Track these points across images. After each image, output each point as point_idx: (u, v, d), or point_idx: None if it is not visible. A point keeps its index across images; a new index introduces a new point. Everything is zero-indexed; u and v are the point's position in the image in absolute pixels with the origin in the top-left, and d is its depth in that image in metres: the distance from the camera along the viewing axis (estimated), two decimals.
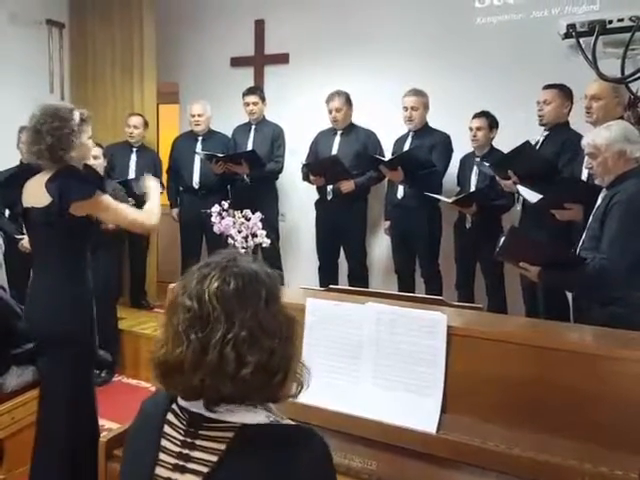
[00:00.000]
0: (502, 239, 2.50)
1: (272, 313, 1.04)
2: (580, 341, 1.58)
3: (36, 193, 2.23)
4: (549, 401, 1.45)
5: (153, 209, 2.47)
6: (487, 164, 3.50)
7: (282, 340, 1.03)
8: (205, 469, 1.00)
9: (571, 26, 2.07)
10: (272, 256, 4.44)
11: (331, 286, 2.12)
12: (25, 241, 3.92)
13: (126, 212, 2.37)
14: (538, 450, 1.40)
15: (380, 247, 4.66)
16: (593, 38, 2.00)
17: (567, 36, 2.34)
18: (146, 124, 4.78)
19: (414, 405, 1.57)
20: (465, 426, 1.50)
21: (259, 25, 5.11)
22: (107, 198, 2.27)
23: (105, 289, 3.58)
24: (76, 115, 2.25)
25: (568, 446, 1.39)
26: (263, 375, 1.00)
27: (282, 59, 5.04)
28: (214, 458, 1.00)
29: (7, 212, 4.07)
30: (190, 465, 1.02)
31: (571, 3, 3.93)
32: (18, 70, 4.88)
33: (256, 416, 1.04)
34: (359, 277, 4.30)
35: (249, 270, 1.05)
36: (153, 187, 2.56)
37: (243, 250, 2.89)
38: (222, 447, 1.00)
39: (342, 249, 4.42)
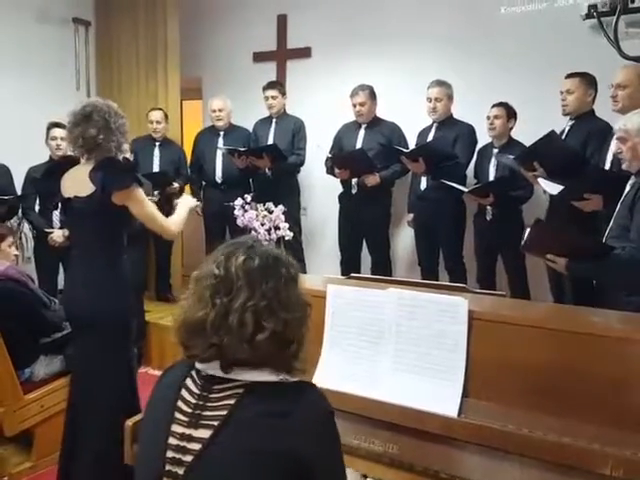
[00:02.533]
0: (527, 232, 2.47)
1: (289, 292, 1.14)
2: (604, 325, 1.55)
3: (78, 183, 2.33)
4: (572, 385, 1.43)
5: (178, 220, 2.56)
6: (511, 157, 3.44)
7: (296, 317, 1.13)
8: (215, 422, 1.08)
9: (592, 6, 2.04)
10: (294, 249, 4.46)
11: (353, 274, 2.12)
12: (55, 235, 4.01)
13: (154, 212, 2.43)
14: (561, 434, 1.39)
15: (404, 239, 4.64)
16: (615, 17, 1.97)
17: (588, 16, 2.31)
18: (166, 117, 4.81)
19: (435, 389, 1.56)
20: (487, 410, 1.49)
21: (281, 20, 5.13)
22: (141, 192, 2.36)
23: (132, 282, 3.63)
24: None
25: (592, 430, 1.37)
26: (277, 343, 1.10)
27: (304, 53, 5.05)
28: (224, 412, 1.08)
29: (37, 207, 4.16)
30: (202, 421, 1.09)
31: None
32: (45, 68, 4.98)
33: (267, 375, 1.12)
34: (382, 270, 4.28)
35: (272, 251, 1.18)
36: (183, 202, 2.64)
37: (266, 243, 2.91)
38: (232, 402, 1.09)
39: (365, 242, 4.41)
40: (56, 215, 4.06)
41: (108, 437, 2.20)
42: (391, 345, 1.66)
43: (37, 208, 4.17)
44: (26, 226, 4.47)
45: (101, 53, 5.42)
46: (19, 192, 4.14)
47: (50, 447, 2.72)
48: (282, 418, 1.06)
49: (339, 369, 1.73)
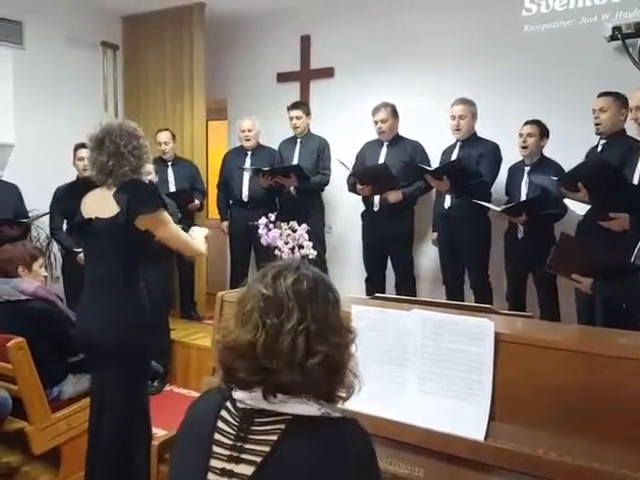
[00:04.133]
0: (552, 250, 2.44)
1: (337, 315, 1.12)
2: (633, 347, 1.52)
3: (101, 204, 2.28)
4: (601, 409, 1.41)
5: (201, 241, 2.56)
6: (555, 178, 3.37)
7: (344, 342, 1.11)
8: (258, 459, 1.04)
9: (617, 28, 2.03)
10: (319, 268, 4.46)
11: (377, 294, 2.12)
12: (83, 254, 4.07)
13: (180, 234, 2.42)
14: (590, 458, 1.36)
15: (428, 258, 4.62)
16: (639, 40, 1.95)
17: (613, 38, 2.29)
18: (173, 137, 4.85)
19: (461, 412, 1.55)
20: (514, 434, 1.47)
21: (305, 41, 5.20)
22: (167, 216, 2.33)
23: (156, 301, 3.67)
24: (141, 132, 2.35)
25: (620, 455, 1.35)
26: (328, 368, 1.07)
27: (327, 73, 5.10)
28: (266, 448, 1.04)
29: (65, 227, 4.23)
30: (244, 456, 1.05)
31: (621, 8, 3.85)
32: (74, 90, 5.11)
33: (308, 408, 1.07)
34: (406, 288, 4.27)
35: (319, 274, 1.15)
36: (197, 233, 2.62)
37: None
38: (274, 438, 1.04)
39: (389, 260, 4.40)
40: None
41: (124, 462, 2.23)
42: (416, 367, 1.65)
43: (65, 227, 4.25)
44: (54, 246, 4.56)
45: (128, 75, 5.55)
46: (45, 212, 4.22)
47: (77, 465, 2.73)
48: (326, 458, 1.02)
49: (363, 390, 1.71)
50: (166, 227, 2.32)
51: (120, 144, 2.25)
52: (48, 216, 4.25)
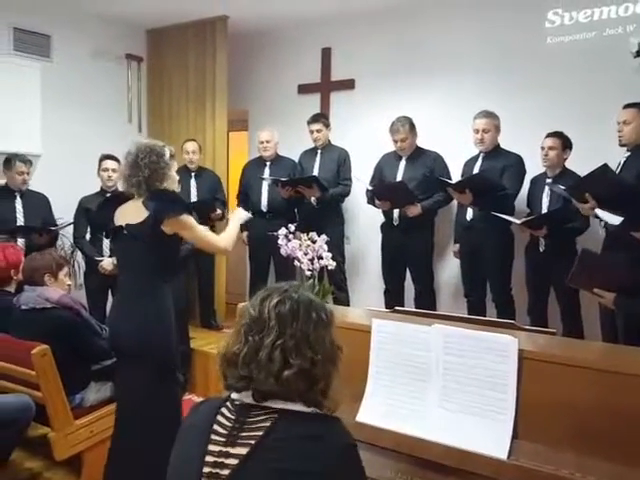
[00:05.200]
0: (575, 264, 2.41)
1: (319, 334, 1.23)
2: None
3: (131, 213, 2.47)
4: (626, 429, 1.39)
5: (230, 235, 2.69)
6: (562, 187, 3.36)
7: (325, 358, 1.22)
8: (252, 441, 1.15)
9: None
10: (338, 279, 4.47)
11: (397, 308, 2.12)
12: (105, 262, 4.14)
13: (205, 233, 2.59)
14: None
15: (448, 270, 4.60)
16: None
17: (639, 54, 2.27)
18: (200, 148, 4.92)
19: (484, 430, 1.54)
20: (537, 453, 1.46)
21: (326, 53, 5.23)
22: (191, 219, 2.49)
23: (176, 310, 3.71)
24: (167, 151, 2.54)
25: None
26: (305, 380, 1.19)
27: (348, 85, 5.12)
28: (260, 432, 1.16)
29: (88, 236, 4.30)
30: (239, 440, 1.17)
31: None
32: (99, 102, 5.20)
33: (299, 406, 1.20)
34: (426, 300, 4.25)
35: (305, 297, 1.27)
36: (235, 216, 2.80)
37: (309, 272, 2.95)
38: (268, 424, 1.17)
39: (409, 272, 4.39)
40: (106, 244, 4.20)
41: (151, 467, 2.23)
42: (438, 383, 1.64)
43: (88, 237, 4.31)
44: (79, 254, 4.63)
45: (152, 87, 5.63)
46: (71, 221, 4.30)
47: (98, 472, 2.76)
48: (315, 442, 1.14)
49: (384, 405, 1.71)
50: (191, 229, 2.49)
51: (148, 160, 2.46)
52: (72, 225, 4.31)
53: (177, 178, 2.63)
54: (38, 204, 4.22)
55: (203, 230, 2.59)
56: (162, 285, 2.50)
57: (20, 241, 4.01)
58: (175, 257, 2.58)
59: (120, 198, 2.61)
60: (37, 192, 4.27)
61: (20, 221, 4.09)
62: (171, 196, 2.52)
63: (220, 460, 1.15)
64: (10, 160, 4.10)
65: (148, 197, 2.44)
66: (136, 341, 2.42)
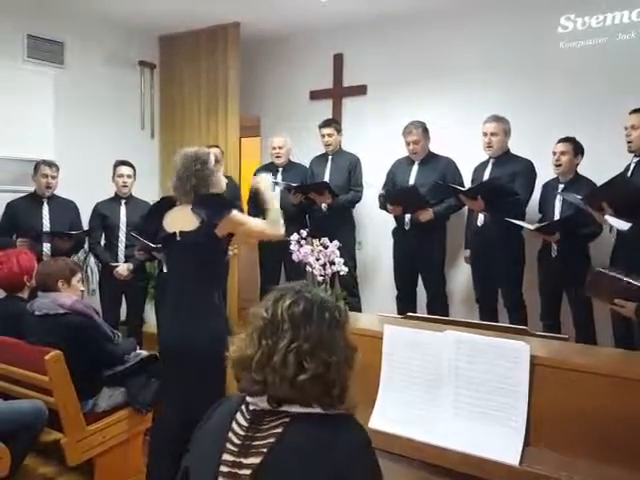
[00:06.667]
0: (589, 276, 2.37)
1: (333, 335, 1.19)
2: None
3: (182, 219, 2.52)
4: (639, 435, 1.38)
5: (277, 219, 2.68)
6: (579, 197, 3.32)
7: (340, 360, 1.18)
8: (265, 449, 1.13)
9: None
10: (350, 284, 4.47)
11: (409, 314, 2.11)
12: (121, 268, 4.16)
13: (256, 223, 2.63)
14: None
15: (461, 276, 4.58)
16: None
17: None
18: (222, 153, 4.92)
19: (496, 436, 1.53)
20: (550, 459, 1.45)
21: (338, 59, 5.24)
22: (240, 214, 2.58)
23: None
24: (212, 157, 2.60)
25: None
26: (320, 384, 1.15)
27: (360, 91, 5.13)
28: (272, 440, 1.13)
29: (103, 242, 4.32)
30: (252, 450, 1.14)
31: None
32: (112, 108, 5.24)
33: (312, 409, 1.16)
34: (438, 306, 4.23)
35: (318, 296, 1.23)
36: (267, 196, 2.73)
37: (321, 278, 2.95)
38: (280, 430, 1.14)
39: (420, 278, 4.38)
40: (121, 249, 4.22)
41: None
42: (450, 389, 1.63)
43: (103, 242, 4.34)
44: (92, 260, 4.66)
45: (165, 93, 5.66)
46: (85, 227, 4.33)
47: (110, 477, 2.77)
48: (328, 445, 1.11)
49: (396, 411, 1.71)
50: (244, 224, 2.55)
51: (193, 169, 2.52)
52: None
53: (224, 181, 2.68)
54: (65, 210, 4.23)
55: (254, 221, 2.64)
56: (217, 285, 2.58)
57: (46, 246, 4.04)
58: (224, 262, 2.65)
59: (167, 203, 2.66)
60: (65, 198, 4.29)
61: (46, 227, 4.10)
62: (217, 199, 2.57)
63: (234, 471, 1.14)
64: (38, 165, 4.15)
65: (196, 204, 2.50)
66: (192, 340, 2.44)
